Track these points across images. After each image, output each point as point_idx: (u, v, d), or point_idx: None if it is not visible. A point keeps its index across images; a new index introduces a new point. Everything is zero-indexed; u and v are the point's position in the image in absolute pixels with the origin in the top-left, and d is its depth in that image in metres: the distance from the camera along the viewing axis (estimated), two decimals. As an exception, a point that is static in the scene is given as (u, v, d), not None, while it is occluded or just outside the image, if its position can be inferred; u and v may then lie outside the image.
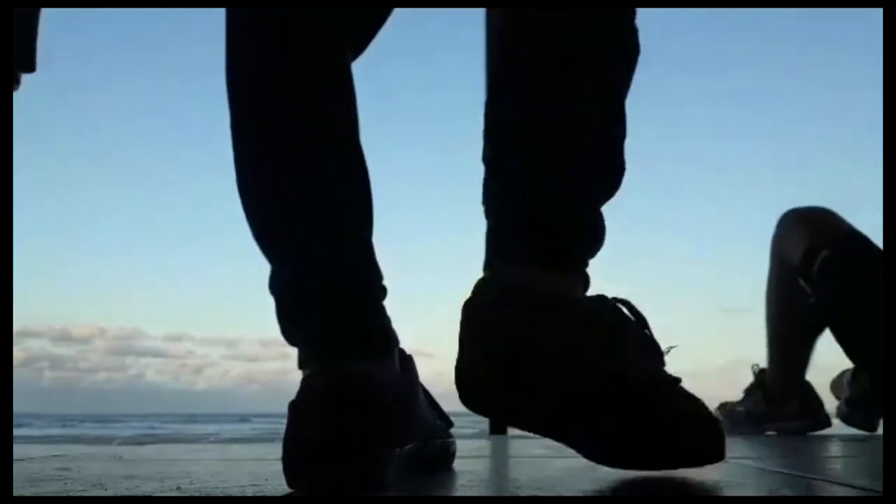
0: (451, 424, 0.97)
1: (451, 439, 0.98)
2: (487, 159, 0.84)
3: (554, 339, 0.75)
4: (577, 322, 0.76)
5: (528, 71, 0.81)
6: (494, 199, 0.83)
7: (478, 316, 0.78)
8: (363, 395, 0.76)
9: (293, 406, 0.78)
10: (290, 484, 0.76)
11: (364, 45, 0.99)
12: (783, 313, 1.63)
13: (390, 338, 0.84)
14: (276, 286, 0.84)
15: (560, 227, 0.80)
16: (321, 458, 0.74)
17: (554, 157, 0.80)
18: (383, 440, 0.77)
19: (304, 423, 0.76)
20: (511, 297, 0.77)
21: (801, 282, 1.44)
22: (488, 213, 0.84)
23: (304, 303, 0.82)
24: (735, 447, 1.49)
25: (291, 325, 0.83)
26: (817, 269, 1.41)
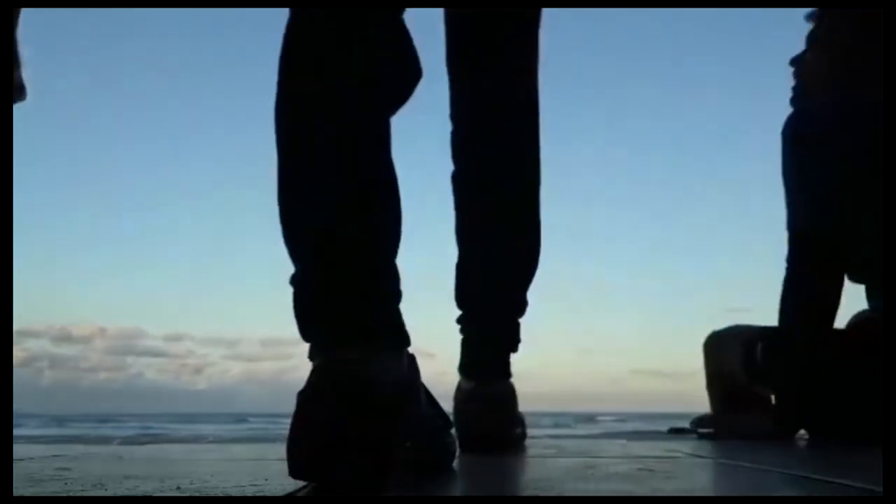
0: (450, 424, 1.02)
1: (450, 439, 1.01)
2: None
3: (511, 428, 1.36)
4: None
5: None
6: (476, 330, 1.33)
7: (478, 415, 1.29)
8: (364, 395, 0.77)
9: (299, 396, 0.79)
10: (294, 477, 0.77)
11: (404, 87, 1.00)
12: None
13: (400, 337, 0.87)
14: (291, 280, 0.87)
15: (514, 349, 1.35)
16: (322, 458, 0.75)
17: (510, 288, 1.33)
18: (383, 440, 0.78)
19: (305, 421, 0.77)
20: (498, 405, 1.32)
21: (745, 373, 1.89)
22: (468, 332, 1.34)
23: (309, 296, 0.85)
24: (734, 449, 1.49)
25: (300, 316, 0.86)
26: (760, 356, 1.83)
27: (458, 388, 1.35)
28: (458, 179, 1.33)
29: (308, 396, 0.78)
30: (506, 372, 1.35)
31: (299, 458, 0.76)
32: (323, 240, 0.85)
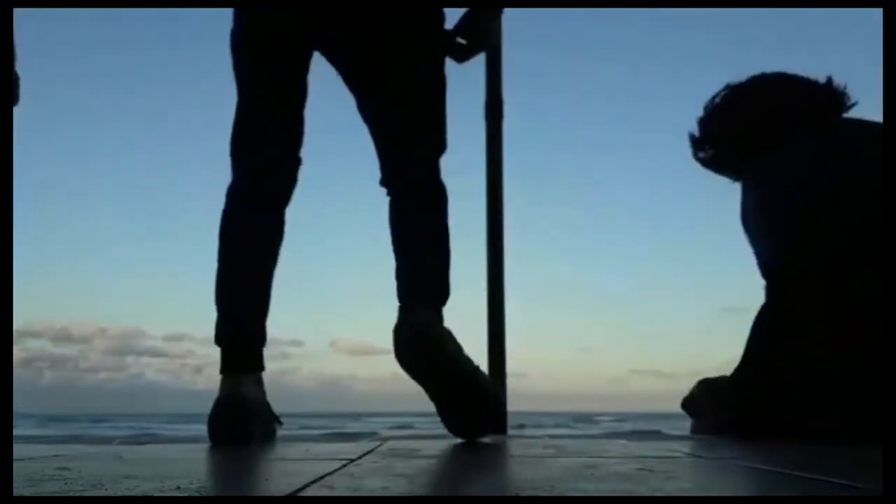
0: (280, 422, 1.77)
1: (277, 425, 1.77)
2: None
3: (447, 353, 1.63)
4: (453, 344, 1.66)
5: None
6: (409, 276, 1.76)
7: (416, 342, 1.63)
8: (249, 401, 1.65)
9: (216, 403, 1.64)
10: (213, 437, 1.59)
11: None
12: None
13: (261, 370, 1.72)
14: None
15: (445, 292, 1.76)
16: (229, 427, 1.60)
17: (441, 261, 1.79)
18: (252, 423, 1.63)
19: (221, 409, 1.62)
20: (430, 331, 1.64)
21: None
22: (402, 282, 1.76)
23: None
24: (734, 449, 1.49)
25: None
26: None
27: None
28: (391, 206, 1.80)
29: (222, 402, 1.63)
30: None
31: (219, 429, 1.59)
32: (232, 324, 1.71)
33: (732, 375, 1.98)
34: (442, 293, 1.77)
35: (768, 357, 1.89)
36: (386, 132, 1.82)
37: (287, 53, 1.74)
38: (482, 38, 1.90)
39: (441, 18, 1.82)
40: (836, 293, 1.80)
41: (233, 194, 1.74)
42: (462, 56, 1.90)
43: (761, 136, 1.97)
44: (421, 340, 1.62)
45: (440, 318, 1.71)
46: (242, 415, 1.62)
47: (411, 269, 1.77)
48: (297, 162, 1.78)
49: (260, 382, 1.70)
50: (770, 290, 1.89)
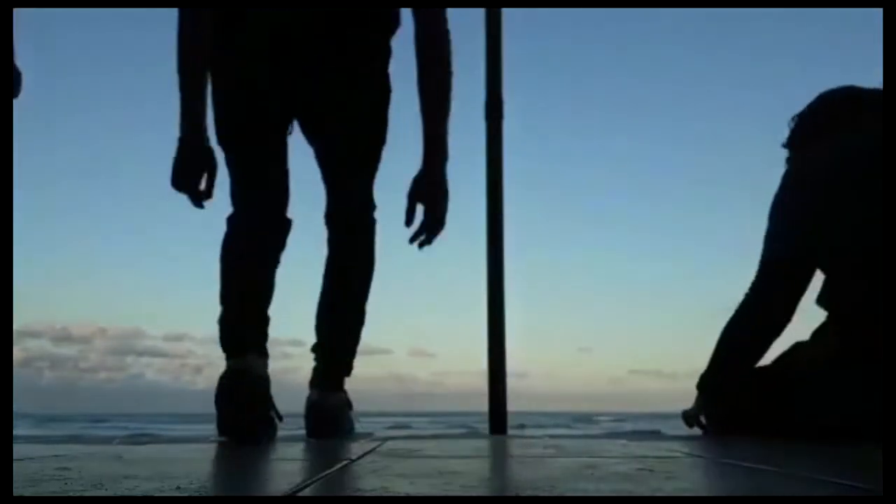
0: (280, 418, 1.79)
1: (278, 420, 1.79)
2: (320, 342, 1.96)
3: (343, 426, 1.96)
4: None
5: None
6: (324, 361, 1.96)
7: (321, 415, 1.92)
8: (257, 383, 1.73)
9: (220, 381, 1.70)
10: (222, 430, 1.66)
11: None
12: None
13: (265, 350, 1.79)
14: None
15: (347, 374, 1.98)
16: (239, 419, 1.66)
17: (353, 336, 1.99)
18: (257, 394, 1.71)
19: (230, 398, 1.68)
20: (330, 409, 1.93)
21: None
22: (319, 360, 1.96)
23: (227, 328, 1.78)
24: (734, 449, 1.49)
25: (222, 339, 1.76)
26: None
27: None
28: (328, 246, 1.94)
29: (225, 384, 1.69)
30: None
31: (230, 420, 1.67)
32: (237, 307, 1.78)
33: (702, 380, 2.00)
34: (343, 369, 1.96)
35: (744, 361, 1.93)
36: (323, 173, 1.92)
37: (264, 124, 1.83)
38: (438, 196, 1.87)
39: (387, 75, 1.90)
40: (837, 292, 1.80)
41: (229, 240, 1.82)
42: (430, 232, 1.87)
43: (812, 129, 1.95)
44: (316, 417, 1.90)
45: (339, 389, 1.95)
46: (248, 386, 1.69)
47: (326, 340, 1.95)
48: (286, 223, 1.86)
49: (264, 363, 1.77)
50: (765, 279, 1.90)
